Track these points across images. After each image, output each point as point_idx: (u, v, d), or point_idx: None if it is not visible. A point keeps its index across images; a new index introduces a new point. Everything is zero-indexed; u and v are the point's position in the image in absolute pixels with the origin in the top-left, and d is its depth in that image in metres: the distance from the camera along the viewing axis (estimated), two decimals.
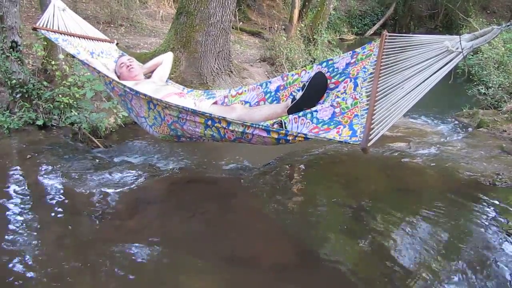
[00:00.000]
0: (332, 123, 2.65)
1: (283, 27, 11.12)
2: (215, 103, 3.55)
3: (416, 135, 5.22)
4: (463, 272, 2.50)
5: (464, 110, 6.79)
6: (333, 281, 2.49)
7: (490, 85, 7.36)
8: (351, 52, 3.22)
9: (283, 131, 2.58)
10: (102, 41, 4.01)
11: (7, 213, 3.01)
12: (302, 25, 10.78)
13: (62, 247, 2.71)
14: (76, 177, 3.59)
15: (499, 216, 3.14)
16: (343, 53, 3.42)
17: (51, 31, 3.61)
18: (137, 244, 2.69)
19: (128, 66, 3.69)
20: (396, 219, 3.08)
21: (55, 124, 4.65)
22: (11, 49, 4.47)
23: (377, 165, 4.11)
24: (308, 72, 3.33)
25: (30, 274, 2.40)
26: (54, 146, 4.21)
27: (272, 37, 10.05)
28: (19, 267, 2.44)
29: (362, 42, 14.46)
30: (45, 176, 3.59)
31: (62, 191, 3.38)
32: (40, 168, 3.73)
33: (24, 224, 2.89)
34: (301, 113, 2.83)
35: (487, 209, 3.28)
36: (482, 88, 7.37)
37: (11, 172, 3.61)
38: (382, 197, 3.49)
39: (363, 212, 3.27)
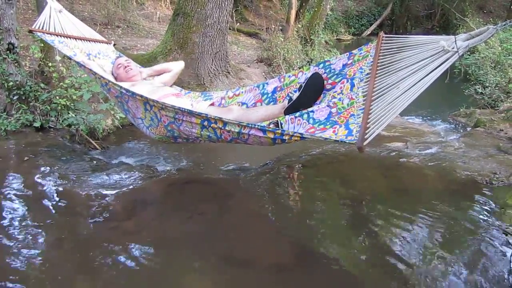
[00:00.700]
0: (328, 123, 2.65)
1: (280, 27, 11.13)
2: (212, 104, 3.55)
3: (413, 135, 5.23)
4: (461, 272, 2.51)
5: (461, 110, 6.82)
6: (331, 281, 2.50)
7: (487, 84, 7.40)
8: (347, 53, 3.23)
9: (279, 131, 2.59)
10: (99, 42, 4.01)
11: (5, 215, 3.01)
12: (299, 25, 10.80)
13: (60, 249, 2.70)
14: (74, 178, 3.59)
15: (496, 215, 3.15)
16: (340, 53, 3.43)
17: (47, 33, 3.60)
18: (135, 245, 2.69)
19: (125, 67, 3.68)
20: (394, 219, 3.08)
21: (52, 126, 4.64)
22: (8, 51, 4.47)
23: (374, 165, 4.12)
24: (305, 73, 3.34)
25: (27, 276, 2.40)
26: (52, 148, 4.21)
27: (269, 37, 10.07)
28: (16, 269, 2.44)
29: (359, 42, 14.51)
30: (43, 178, 3.58)
31: (59, 193, 3.37)
32: (38, 170, 3.72)
33: (21, 226, 2.88)
34: (297, 114, 2.83)
35: (484, 208, 3.29)
36: (479, 88, 7.40)
37: (9, 174, 3.60)
38: (379, 197, 3.50)
39: (361, 212, 3.28)
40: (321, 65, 3.29)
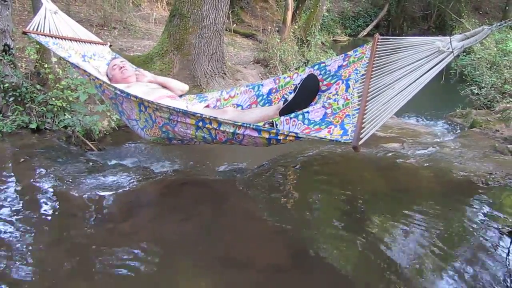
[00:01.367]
0: (323, 124, 2.66)
1: (277, 29, 11.14)
2: (207, 106, 3.56)
3: (409, 136, 5.24)
4: (457, 271, 2.51)
5: (457, 110, 6.84)
6: (327, 283, 2.50)
7: (483, 85, 7.43)
8: (343, 54, 3.25)
9: (274, 131, 2.58)
10: (95, 43, 4.00)
11: (0, 217, 3.00)
12: (296, 26, 10.80)
13: (56, 251, 2.69)
14: (70, 180, 3.58)
15: (492, 215, 3.16)
16: (336, 54, 3.44)
17: (42, 35, 3.58)
18: (131, 247, 2.69)
19: (121, 68, 3.66)
20: (391, 220, 3.09)
21: (48, 128, 4.63)
22: (4, 53, 4.46)
23: (371, 166, 4.12)
24: (300, 75, 3.35)
25: (23, 278, 2.39)
26: (48, 149, 4.20)
27: (266, 39, 10.07)
28: (12, 271, 2.43)
29: (355, 43, 14.53)
30: (39, 179, 3.57)
31: (55, 195, 3.37)
32: (34, 171, 3.71)
33: (17, 228, 2.88)
34: (292, 115, 2.83)
35: (481, 208, 3.30)
36: (475, 89, 7.42)
37: (4, 176, 3.59)
38: (376, 197, 3.50)
39: (357, 213, 3.28)
40: (316, 67, 3.30)
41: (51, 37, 3.62)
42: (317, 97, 3.16)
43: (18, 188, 3.46)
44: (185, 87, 3.88)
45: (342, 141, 2.35)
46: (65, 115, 4.60)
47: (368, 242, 2.84)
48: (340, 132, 2.51)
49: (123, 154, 4.49)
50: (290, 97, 3.11)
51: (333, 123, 2.61)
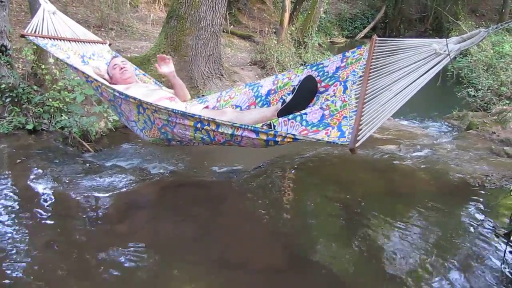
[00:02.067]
0: (321, 125, 2.66)
1: (274, 30, 11.17)
2: (206, 107, 3.56)
3: (406, 138, 5.25)
4: (453, 273, 2.52)
5: (454, 112, 6.86)
6: (324, 284, 2.50)
7: (480, 87, 7.46)
8: (341, 55, 3.25)
9: (272, 132, 2.59)
10: (94, 42, 3.99)
11: None
12: (293, 28, 10.83)
13: (52, 252, 2.69)
14: (67, 181, 3.57)
15: (488, 217, 3.17)
16: (334, 56, 3.44)
17: (40, 37, 3.57)
18: (127, 249, 2.68)
19: (121, 68, 3.64)
20: (387, 222, 3.09)
21: (45, 129, 4.62)
22: (1, 53, 4.45)
23: (367, 168, 4.13)
24: (298, 76, 3.35)
25: (19, 279, 2.38)
26: (44, 150, 4.19)
27: (263, 40, 10.10)
28: (8, 272, 2.42)
29: (352, 45, 14.48)
30: (36, 180, 3.56)
31: (52, 196, 3.36)
32: (30, 172, 3.70)
33: (13, 229, 2.87)
34: (290, 116, 2.84)
35: (477, 210, 3.31)
36: (471, 91, 7.45)
37: (1, 177, 3.58)
38: (373, 199, 3.51)
39: (354, 214, 3.29)
40: (315, 68, 3.30)
41: (50, 38, 3.62)
42: (315, 98, 3.17)
43: (15, 189, 3.45)
44: (189, 97, 3.86)
45: (339, 143, 2.36)
46: (62, 116, 4.59)
47: (364, 244, 2.85)
48: (337, 134, 2.51)
49: (120, 155, 4.49)
50: (288, 98, 3.11)
51: (331, 124, 2.62)
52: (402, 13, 19.54)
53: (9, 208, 3.14)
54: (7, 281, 2.36)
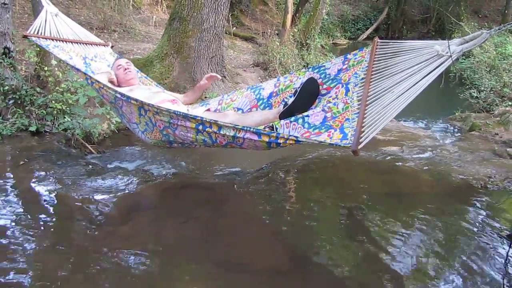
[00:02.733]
0: (323, 127, 2.66)
1: (276, 32, 11.15)
2: (208, 110, 3.56)
3: (409, 139, 5.25)
4: (456, 275, 2.52)
5: (457, 114, 6.85)
6: (326, 286, 2.50)
7: (482, 88, 7.43)
8: (342, 57, 3.24)
9: (274, 134, 2.59)
10: (97, 44, 4.00)
11: (0, 219, 3.00)
12: (295, 30, 10.82)
13: (55, 254, 2.69)
14: (70, 183, 3.58)
15: (491, 218, 3.17)
16: (336, 58, 3.45)
17: (42, 38, 3.59)
18: (130, 250, 2.69)
19: (125, 69, 3.64)
20: (390, 223, 3.09)
21: (48, 130, 4.63)
22: (4, 55, 4.46)
23: (370, 169, 4.13)
24: (300, 78, 3.35)
25: (22, 281, 2.39)
26: (47, 152, 4.19)
27: (265, 42, 10.08)
28: (11, 273, 2.43)
29: (355, 47, 14.52)
30: (38, 182, 3.57)
31: (55, 197, 3.37)
32: (33, 174, 3.71)
33: (16, 231, 2.87)
34: (292, 119, 2.84)
35: (479, 211, 3.31)
36: (474, 92, 7.42)
37: (4, 179, 3.59)
38: (375, 201, 3.51)
39: (356, 216, 3.29)
40: (316, 70, 3.30)
41: (52, 40, 3.63)
42: (317, 100, 3.17)
43: (18, 191, 3.46)
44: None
45: (342, 145, 2.36)
46: (64, 117, 4.59)
47: (366, 245, 2.85)
48: (339, 136, 2.51)
49: (123, 157, 4.49)
50: (290, 100, 3.11)
51: (333, 127, 2.62)
52: (404, 14, 19.54)
53: (12, 209, 3.15)
54: (10, 282, 2.36)
